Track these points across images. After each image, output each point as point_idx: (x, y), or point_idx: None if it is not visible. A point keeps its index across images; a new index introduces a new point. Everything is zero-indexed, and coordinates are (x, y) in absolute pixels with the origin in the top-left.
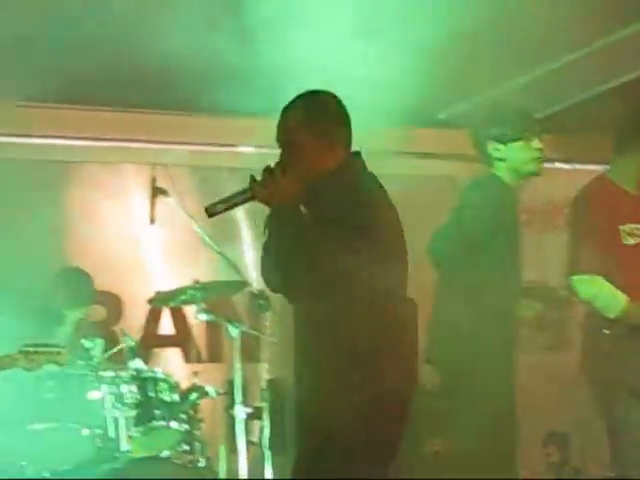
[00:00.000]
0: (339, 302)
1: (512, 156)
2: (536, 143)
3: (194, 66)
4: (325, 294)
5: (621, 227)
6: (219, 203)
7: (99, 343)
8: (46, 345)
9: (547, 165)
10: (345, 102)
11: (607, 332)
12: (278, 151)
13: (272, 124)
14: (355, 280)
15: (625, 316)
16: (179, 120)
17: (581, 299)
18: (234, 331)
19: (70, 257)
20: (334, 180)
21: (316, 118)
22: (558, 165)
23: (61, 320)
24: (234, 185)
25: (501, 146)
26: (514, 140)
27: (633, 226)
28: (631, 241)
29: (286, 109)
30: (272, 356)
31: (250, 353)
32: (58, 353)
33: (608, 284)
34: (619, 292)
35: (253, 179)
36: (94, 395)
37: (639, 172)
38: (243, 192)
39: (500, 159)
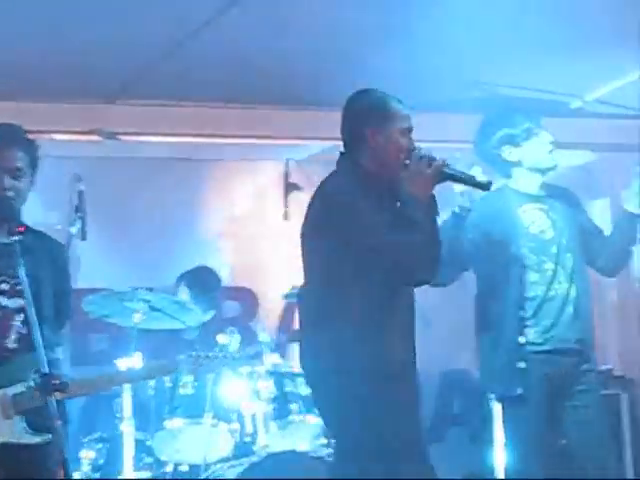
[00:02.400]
0: None
1: (528, 156)
2: (547, 137)
3: (326, 61)
4: None
5: None
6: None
7: (236, 339)
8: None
9: None
10: None
11: None
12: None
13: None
14: None
15: None
16: (311, 115)
17: None
18: None
19: (205, 253)
20: None
21: None
22: None
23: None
24: None
25: (514, 149)
26: (527, 139)
27: None
28: None
29: None
30: None
31: None
32: (225, 356)
33: None
34: None
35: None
36: (232, 390)
37: None
38: (479, 184)
39: (516, 163)
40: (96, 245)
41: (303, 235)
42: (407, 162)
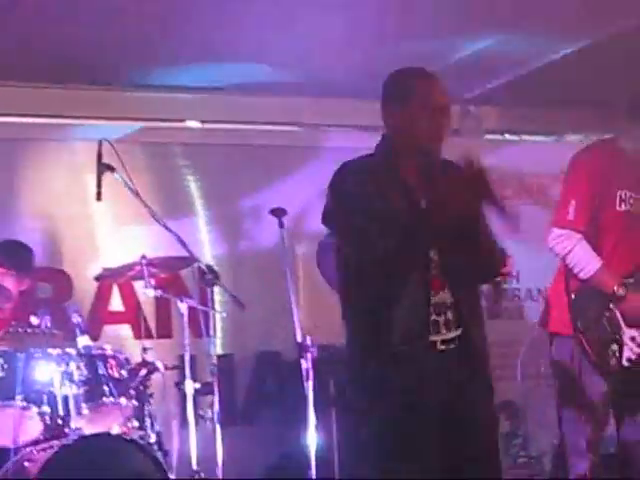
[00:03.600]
0: None
1: None
2: None
3: (138, 41)
4: None
5: (619, 192)
6: None
7: (47, 320)
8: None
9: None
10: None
11: (573, 296)
12: (224, 126)
13: (218, 100)
14: None
15: (595, 280)
16: (126, 96)
17: (556, 253)
18: (183, 306)
19: (17, 234)
20: None
21: None
22: (507, 137)
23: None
24: (181, 160)
25: None
26: None
27: (629, 194)
28: (622, 207)
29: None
30: (222, 331)
31: (199, 328)
32: (52, 335)
33: (585, 243)
34: (594, 254)
35: None
36: (43, 373)
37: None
38: None
39: None
40: None
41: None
42: None
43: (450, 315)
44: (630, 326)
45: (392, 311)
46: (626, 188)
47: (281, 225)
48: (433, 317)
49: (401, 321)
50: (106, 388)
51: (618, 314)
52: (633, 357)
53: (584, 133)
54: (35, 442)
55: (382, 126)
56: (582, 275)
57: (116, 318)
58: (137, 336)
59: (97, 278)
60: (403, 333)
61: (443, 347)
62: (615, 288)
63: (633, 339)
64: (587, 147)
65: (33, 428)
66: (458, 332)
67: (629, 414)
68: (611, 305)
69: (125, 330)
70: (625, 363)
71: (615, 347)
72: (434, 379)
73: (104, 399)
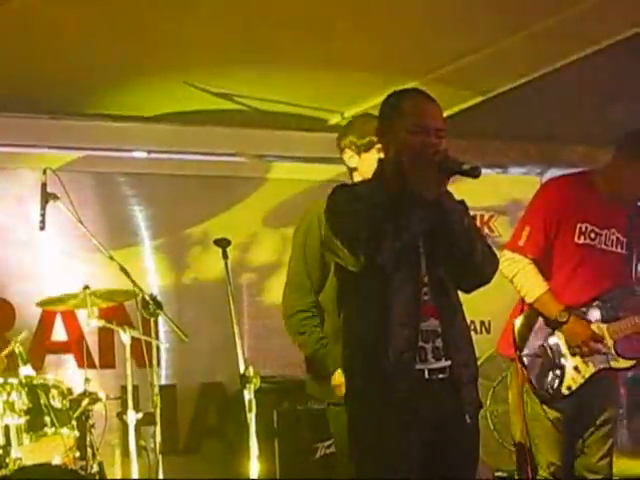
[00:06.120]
0: None
1: (363, 166)
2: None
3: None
4: None
5: (579, 224)
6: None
7: None
8: None
9: None
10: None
11: (517, 322)
12: (168, 156)
13: (164, 129)
14: None
15: (539, 304)
16: (71, 124)
17: (505, 276)
18: (125, 337)
19: None
20: None
21: None
22: None
23: None
24: (127, 189)
25: (355, 155)
26: (366, 150)
27: (590, 227)
28: (581, 240)
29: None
30: (165, 361)
31: (142, 358)
32: None
33: (533, 268)
34: (541, 279)
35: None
36: None
37: (616, 180)
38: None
39: (354, 168)
40: None
41: None
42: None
43: (439, 344)
44: (574, 355)
45: (384, 328)
46: (588, 222)
47: (225, 256)
48: (420, 344)
49: (392, 339)
50: (48, 418)
51: (561, 341)
52: (574, 386)
53: (527, 166)
54: None
55: (326, 158)
56: (527, 299)
57: (59, 348)
58: (80, 366)
59: (40, 305)
60: (393, 356)
61: (430, 377)
62: (557, 314)
63: (576, 368)
64: (558, 176)
65: None
66: (447, 363)
67: (587, 443)
68: (555, 332)
69: (68, 360)
70: (565, 391)
71: (557, 373)
72: (418, 407)
73: (46, 429)
